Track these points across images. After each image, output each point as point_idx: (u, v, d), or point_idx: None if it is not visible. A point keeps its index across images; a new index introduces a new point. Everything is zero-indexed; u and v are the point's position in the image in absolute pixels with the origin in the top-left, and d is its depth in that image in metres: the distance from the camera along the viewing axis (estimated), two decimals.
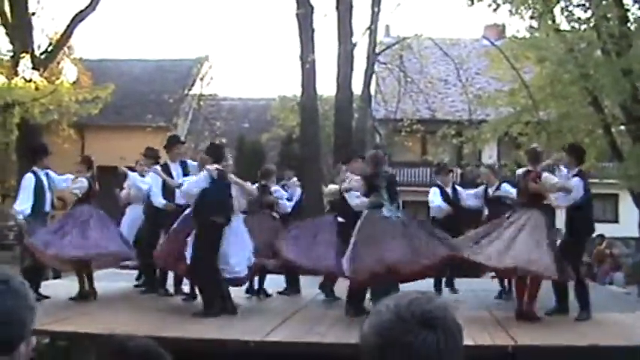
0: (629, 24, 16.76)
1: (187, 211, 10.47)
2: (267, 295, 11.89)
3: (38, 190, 11.01)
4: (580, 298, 9.91)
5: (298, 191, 12.71)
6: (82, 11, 22.54)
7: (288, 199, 12.30)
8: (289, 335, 8.69)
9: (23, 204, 10.91)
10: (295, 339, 8.49)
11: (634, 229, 19.11)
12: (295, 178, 12.81)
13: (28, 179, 11.10)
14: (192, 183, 10.11)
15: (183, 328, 8.75)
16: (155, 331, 8.15)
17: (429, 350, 1.73)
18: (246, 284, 11.41)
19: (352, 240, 9.81)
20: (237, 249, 10.15)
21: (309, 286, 12.33)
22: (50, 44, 23.68)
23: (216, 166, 10.10)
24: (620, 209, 31.05)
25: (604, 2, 16.69)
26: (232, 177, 10.30)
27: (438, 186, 12.49)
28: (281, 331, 8.87)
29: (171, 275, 11.66)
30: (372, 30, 22.03)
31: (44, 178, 11.20)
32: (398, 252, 9.63)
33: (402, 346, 1.74)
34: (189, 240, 9.99)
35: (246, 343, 8.21)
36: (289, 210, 12.27)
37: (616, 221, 31.02)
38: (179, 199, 10.97)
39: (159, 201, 11.23)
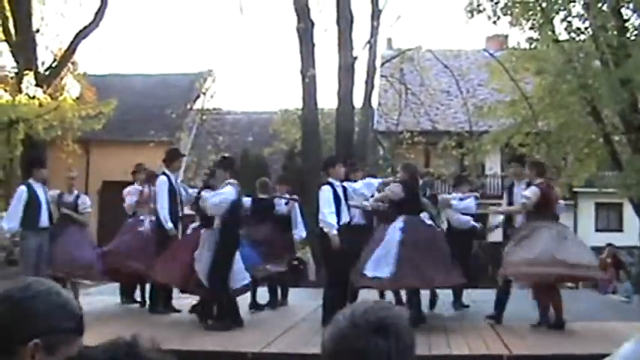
0: (627, 34, 16.86)
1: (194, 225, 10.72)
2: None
3: (32, 203, 10.87)
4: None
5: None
6: (85, 27, 22.73)
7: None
8: (287, 347, 8.76)
9: (11, 221, 10.73)
10: (293, 351, 8.57)
11: (638, 238, 19.15)
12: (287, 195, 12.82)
13: (20, 192, 10.96)
14: (222, 197, 10.04)
15: (182, 341, 8.80)
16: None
17: (379, 356, 1.81)
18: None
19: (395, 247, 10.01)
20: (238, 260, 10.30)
21: (306, 298, 12.47)
22: (54, 60, 23.87)
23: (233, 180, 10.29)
24: (625, 218, 31.04)
25: (602, 13, 16.80)
26: None
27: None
28: (279, 343, 8.95)
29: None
30: (372, 43, 22.13)
31: (40, 191, 11.10)
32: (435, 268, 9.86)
33: (355, 352, 1.82)
34: (199, 254, 10.10)
35: (244, 355, 8.30)
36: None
37: (620, 230, 31.03)
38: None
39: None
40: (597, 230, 29.45)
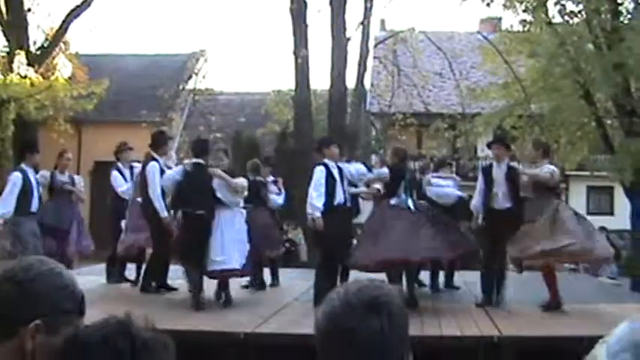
0: (620, 17, 16.84)
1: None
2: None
3: (26, 190, 10.86)
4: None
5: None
6: (77, 7, 22.61)
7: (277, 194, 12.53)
8: (279, 327, 8.80)
9: (6, 206, 10.68)
10: (285, 330, 8.60)
11: (629, 221, 19.20)
12: (271, 177, 12.81)
13: (15, 178, 10.91)
14: (168, 176, 10.33)
15: (174, 321, 8.80)
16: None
17: (372, 334, 1.81)
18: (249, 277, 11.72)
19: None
20: (229, 242, 10.16)
21: (297, 278, 12.53)
22: (46, 40, 23.73)
23: (195, 160, 10.28)
24: (616, 202, 31.10)
25: None
26: (216, 171, 10.25)
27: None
28: (271, 323, 8.99)
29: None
30: (366, 25, 22.09)
31: (32, 177, 11.11)
32: (393, 246, 9.84)
33: (348, 331, 1.82)
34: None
35: (237, 334, 8.33)
36: (280, 203, 12.49)
37: (611, 214, 31.10)
38: None
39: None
40: (589, 213, 29.30)
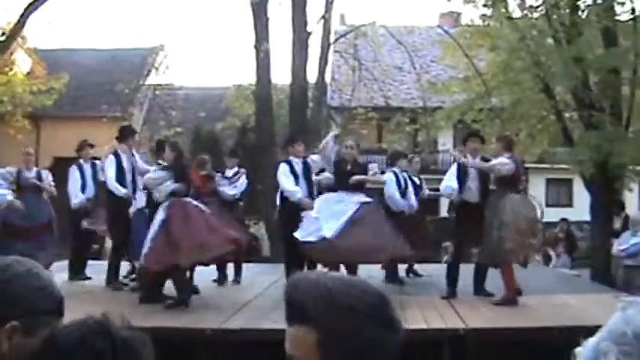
0: (579, 12, 17.02)
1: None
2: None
3: None
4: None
5: (243, 179, 12.75)
6: (35, 1, 22.26)
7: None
8: (246, 322, 8.77)
9: None
10: (252, 326, 8.58)
11: (587, 213, 19.43)
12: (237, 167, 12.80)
13: None
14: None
15: (138, 318, 8.76)
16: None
17: None
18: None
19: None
20: None
21: (260, 274, 12.53)
22: (3, 34, 23.37)
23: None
24: (575, 193, 31.46)
25: None
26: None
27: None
28: (237, 319, 8.95)
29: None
30: (327, 19, 22.06)
31: None
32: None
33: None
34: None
35: (203, 331, 8.29)
36: (231, 194, 12.41)
37: (570, 205, 31.46)
38: None
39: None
40: (548, 205, 29.63)
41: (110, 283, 11.40)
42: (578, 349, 1.66)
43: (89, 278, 12.27)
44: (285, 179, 10.50)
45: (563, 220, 22.18)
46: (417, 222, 11.99)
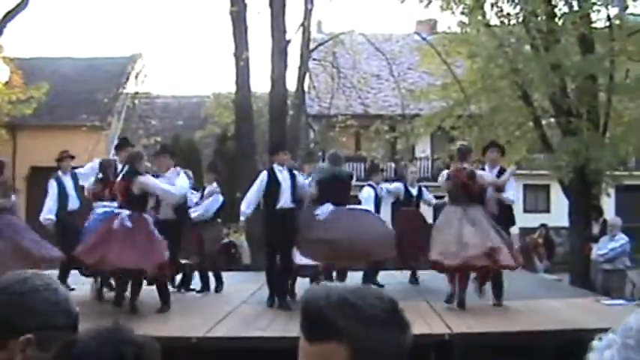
0: (556, 19, 17.18)
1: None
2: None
3: None
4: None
5: (218, 196, 12.68)
6: (13, 9, 22.15)
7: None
8: (231, 330, 8.78)
9: None
10: (237, 334, 8.59)
11: (563, 218, 19.58)
12: (215, 184, 12.70)
13: None
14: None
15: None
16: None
17: None
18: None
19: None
20: None
21: (242, 282, 12.56)
22: None
23: None
24: (552, 199, 31.65)
25: None
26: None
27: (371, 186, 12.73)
28: (222, 327, 8.96)
29: None
30: (306, 27, 22.06)
31: None
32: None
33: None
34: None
35: (189, 339, 8.29)
36: (201, 217, 12.27)
37: (547, 211, 31.65)
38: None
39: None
40: (525, 211, 29.90)
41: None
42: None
43: (72, 289, 12.18)
44: (254, 189, 10.55)
45: (543, 225, 22.39)
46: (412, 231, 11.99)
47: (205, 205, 12.32)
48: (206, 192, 12.49)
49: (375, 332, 1.67)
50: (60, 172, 12.22)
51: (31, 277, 2.06)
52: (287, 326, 8.80)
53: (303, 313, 1.71)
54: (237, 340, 8.36)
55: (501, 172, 10.62)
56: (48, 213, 11.79)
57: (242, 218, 10.72)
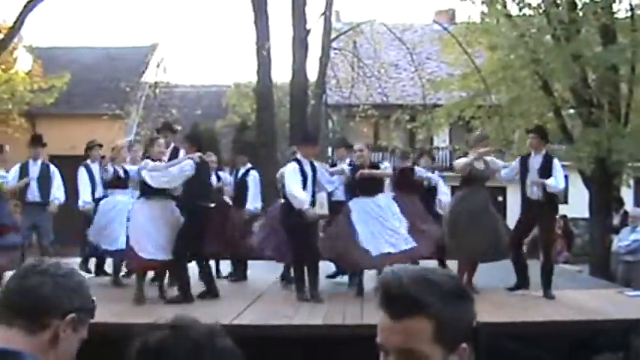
0: (577, 10, 17.12)
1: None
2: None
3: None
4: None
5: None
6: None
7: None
8: (257, 318, 8.82)
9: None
10: (263, 322, 8.63)
11: (582, 209, 19.54)
12: (249, 165, 12.69)
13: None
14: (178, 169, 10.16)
15: (150, 314, 8.78)
16: (123, 317, 8.27)
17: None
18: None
19: None
20: None
21: (265, 271, 12.57)
22: None
23: (198, 153, 10.29)
24: (571, 190, 31.52)
25: None
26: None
27: None
28: (248, 315, 8.99)
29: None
30: (327, 16, 22.07)
31: None
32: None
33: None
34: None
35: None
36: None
37: (565, 202, 31.54)
38: None
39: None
40: None
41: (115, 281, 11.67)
42: None
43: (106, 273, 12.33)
44: (293, 184, 10.06)
45: (562, 216, 22.29)
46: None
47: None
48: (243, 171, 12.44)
49: (453, 305, 1.78)
50: (89, 161, 12.35)
51: (58, 262, 2.13)
52: (312, 314, 8.87)
53: (386, 292, 1.80)
54: (262, 328, 8.38)
55: (547, 160, 10.48)
56: (86, 198, 11.88)
57: (306, 206, 9.88)
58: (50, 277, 2.04)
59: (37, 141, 12.65)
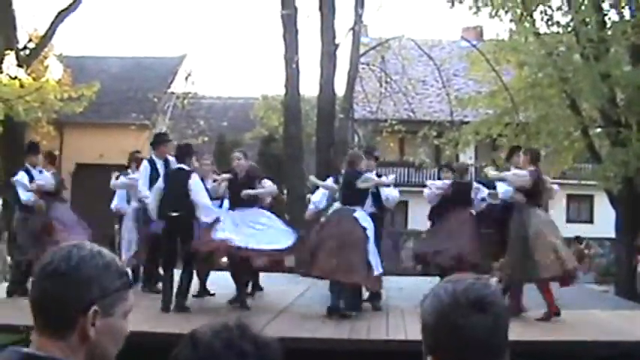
0: (606, 29, 17.07)
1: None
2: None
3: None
4: None
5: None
6: (66, 8, 22.46)
7: None
8: (281, 331, 8.82)
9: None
10: (287, 334, 8.63)
11: (608, 229, 19.44)
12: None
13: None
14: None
15: (174, 324, 8.84)
16: (145, 326, 8.33)
17: (478, 332, 1.90)
18: None
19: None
20: None
21: (286, 283, 12.60)
22: (30, 41, 23.55)
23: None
24: (595, 210, 31.42)
25: (583, 7, 17.00)
26: None
27: None
28: (272, 327, 9.01)
29: None
30: (356, 31, 22.10)
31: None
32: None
33: (455, 327, 1.91)
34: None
35: None
36: None
37: (591, 222, 31.43)
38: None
39: None
40: (568, 221, 29.77)
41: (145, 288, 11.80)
42: None
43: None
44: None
45: (577, 237, 22.28)
46: None
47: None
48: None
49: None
50: (130, 170, 12.74)
51: (73, 250, 2.07)
52: (336, 328, 8.88)
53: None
54: (287, 341, 8.35)
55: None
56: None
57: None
58: (58, 277, 2.03)
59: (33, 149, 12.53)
